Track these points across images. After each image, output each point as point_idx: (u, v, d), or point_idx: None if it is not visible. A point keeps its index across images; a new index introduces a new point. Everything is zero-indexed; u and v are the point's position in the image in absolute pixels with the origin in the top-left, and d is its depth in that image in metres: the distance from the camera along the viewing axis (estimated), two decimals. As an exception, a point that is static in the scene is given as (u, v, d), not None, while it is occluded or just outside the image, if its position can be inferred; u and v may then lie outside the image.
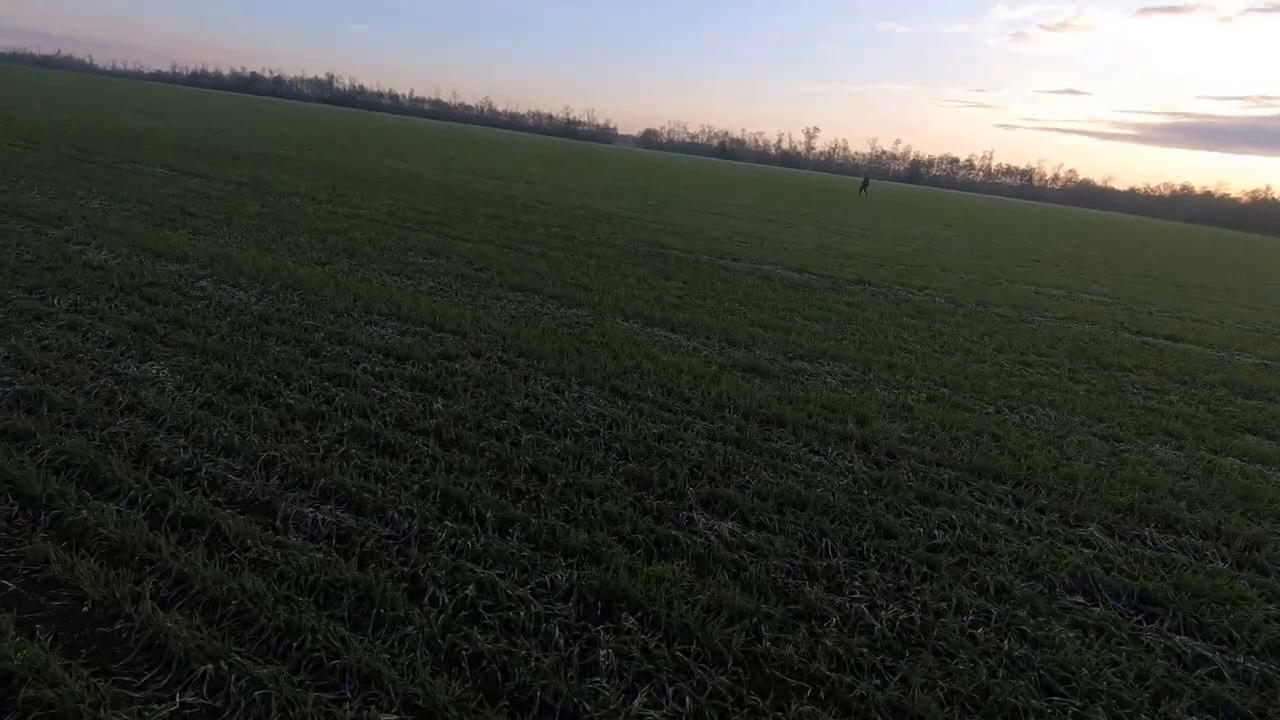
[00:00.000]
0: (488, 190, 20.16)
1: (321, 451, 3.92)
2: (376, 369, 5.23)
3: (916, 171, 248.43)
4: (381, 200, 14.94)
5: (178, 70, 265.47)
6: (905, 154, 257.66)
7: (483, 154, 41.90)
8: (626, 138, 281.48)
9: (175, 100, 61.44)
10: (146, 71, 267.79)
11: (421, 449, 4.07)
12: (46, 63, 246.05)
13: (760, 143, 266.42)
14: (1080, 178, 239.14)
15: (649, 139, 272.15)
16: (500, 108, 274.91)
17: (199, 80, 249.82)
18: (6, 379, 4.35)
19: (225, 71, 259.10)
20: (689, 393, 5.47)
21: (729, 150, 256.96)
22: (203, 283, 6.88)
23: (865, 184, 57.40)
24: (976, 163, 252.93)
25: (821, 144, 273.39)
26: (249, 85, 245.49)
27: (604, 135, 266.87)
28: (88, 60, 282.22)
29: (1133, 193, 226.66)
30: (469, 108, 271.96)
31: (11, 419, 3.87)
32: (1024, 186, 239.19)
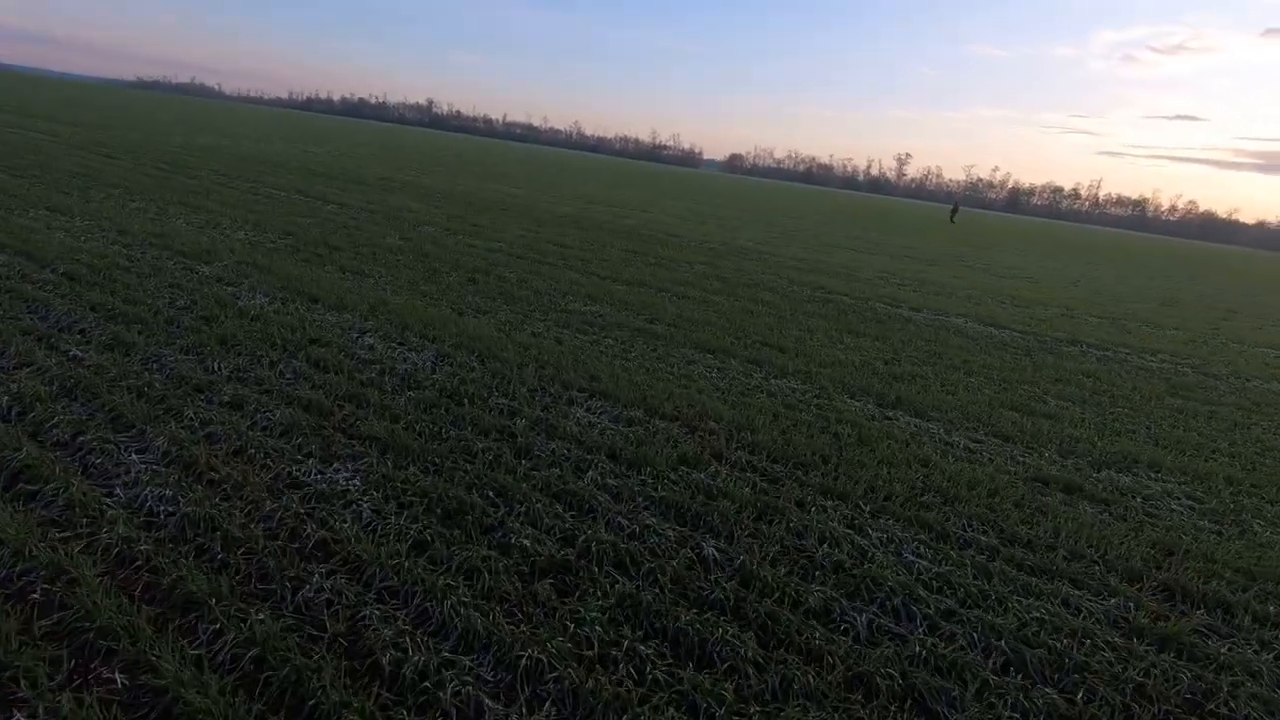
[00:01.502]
0: (606, 219, 19.24)
1: (596, 649, 2.66)
2: (609, 481, 3.98)
3: (1016, 200, 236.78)
4: (512, 230, 14.13)
5: (294, 96, 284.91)
6: (1004, 182, 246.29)
7: (583, 178, 41.61)
8: (711, 162, 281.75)
9: (298, 124, 64.78)
10: (267, 98, 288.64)
11: (729, 646, 2.75)
12: (184, 89, 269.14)
13: (848, 169, 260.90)
14: (1200, 209, 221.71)
15: (733, 164, 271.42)
16: (588, 131, 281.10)
17: (313, 105, 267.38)
18: (169, 493, 3.33)
19: (336, 98, 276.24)
20: (1024, 532, 3.96)
21: (815, 176, 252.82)
22: (369, 339, 5.91)
23: (955, 211, 54.44)
24: (1083, 191, 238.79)
25: (913, 170, 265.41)
26: (356, 110, 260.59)
27: (689, 160, 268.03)
28: (217, 88, 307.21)
29: (1262, 226, 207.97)
30: (558, 131, 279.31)
31: (178, 567, 2.80)
32: (1136, 217, 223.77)
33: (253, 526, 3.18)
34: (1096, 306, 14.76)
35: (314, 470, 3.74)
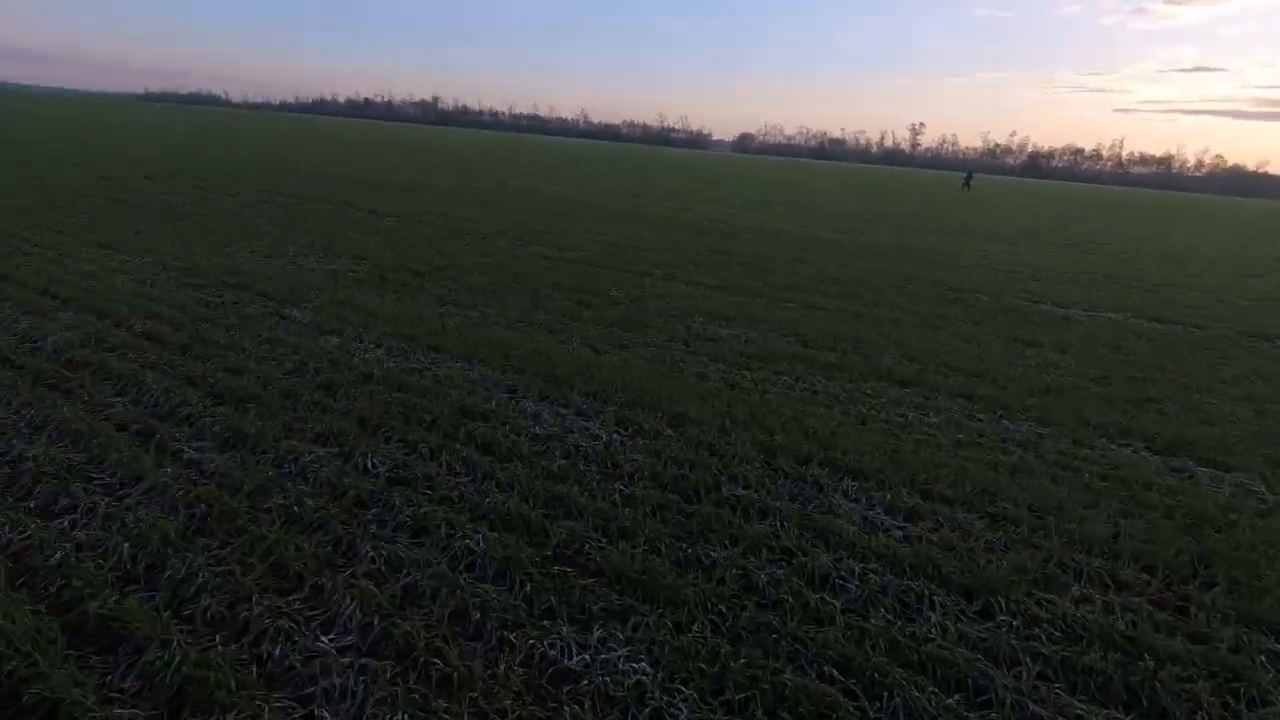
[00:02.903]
0: (664, 213, 18.02)
1: None
2: (968, 632, 2.84)
3: (1036, 164, 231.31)
4: (579, 234, 12.97)
5: (300, 99, 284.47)
6: (1022, 146, 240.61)
7: (608, 169, 40.28)
8: (721, 143, 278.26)
9: (310, 130, 63.89)
10: (274, 103, 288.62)
11: None
12: (192, 99, 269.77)
13: (862, 141, 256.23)
14: (1229, 162, 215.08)
15: (744, 143, 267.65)
16: (595, 119, 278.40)
17: (319, 108, 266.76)
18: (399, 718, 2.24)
19: (341, 99, 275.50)
20: None
21: (828, 151, 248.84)
22: (526, 403, 4.79)
23: (968, 179, 52.38)
24: (1105, 152, 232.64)
25: (928, 139, 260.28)
26: (362, 110, 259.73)
27: (698, 141, 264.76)
28: (223, 95, 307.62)
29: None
30: (565, 120, 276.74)
31: None
32: (1160, 175, 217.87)
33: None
34: (1239, 285, 13.34)
35: (571, 642, 2.64)
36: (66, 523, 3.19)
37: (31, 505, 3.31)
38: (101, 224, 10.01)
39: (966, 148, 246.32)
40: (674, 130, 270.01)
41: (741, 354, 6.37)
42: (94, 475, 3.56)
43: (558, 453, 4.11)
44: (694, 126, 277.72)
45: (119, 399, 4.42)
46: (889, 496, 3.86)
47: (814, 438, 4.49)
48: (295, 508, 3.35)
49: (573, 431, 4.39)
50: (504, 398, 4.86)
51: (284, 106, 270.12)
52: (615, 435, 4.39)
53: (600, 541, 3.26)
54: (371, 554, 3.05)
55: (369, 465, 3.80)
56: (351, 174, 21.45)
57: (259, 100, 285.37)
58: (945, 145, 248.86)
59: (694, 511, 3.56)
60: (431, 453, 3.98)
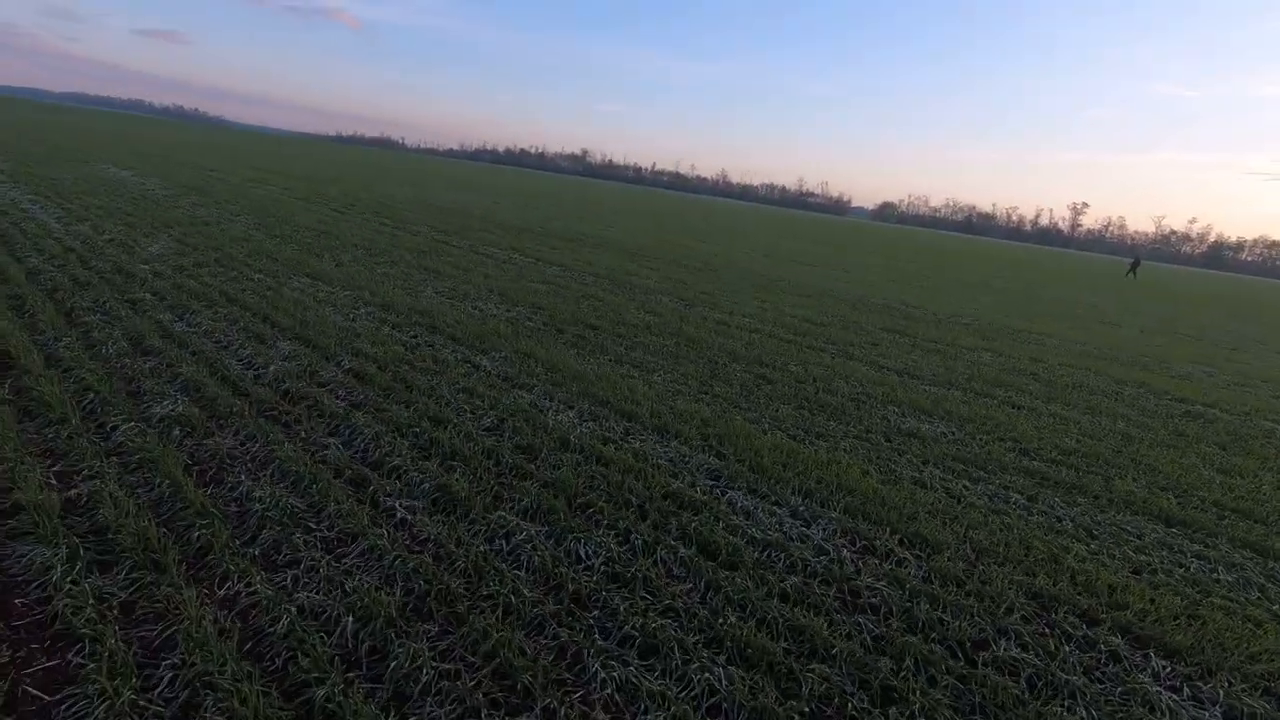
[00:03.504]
0: (820, 282, 17.33)
1: None
2: None
3: (1219, 255, 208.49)
4: (744, 298, 12.58)
5: (464, 147, 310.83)
6: (1204, 234, 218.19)
7: (751, 229, 40.10)
8: (859, 209, 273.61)
9: (473, 175, 69.03)
10: (441, 149, 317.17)
11: None
12: (376, 143, 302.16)
13: (1014, 218, 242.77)
14: None
15: (884, 211, 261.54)
16: (734, 179, 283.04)
17: (479, 156, 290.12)
18: None
19: (501, 149, 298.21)
20: None
21: (975, 225, 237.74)
22: (736, 495, 4.33)
23: (1135, 265, 46.92)
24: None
25: (1090, 220, 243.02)
26: (517, 160, 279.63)
27: (836, 207, 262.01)
28: (401, 141, 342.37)
29: None
30: (704, 179, 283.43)
31: None
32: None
33: None
34: None
35: None
36: (289, 579, 3.04)
37: (256, 553, 3.21)
38: (309, 255, 10.81)
39: (1135, 231, 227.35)
40: (812, 195, 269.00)
41: (955, 458, 5.61)
42: (313, 526, 3.45)
43: (781, 564, 3.60)
44: (834, 192, 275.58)
45: (332, 439, 4.40)
46: (1221, 692, 3.00)
47: (1091, 590, 3.69)
48: (512, 597, 3.03)
49: (794, 540, 3.86)
50: (708, 484, 4.43)
51: (449, 153, 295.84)
52: (844, 551, 3.81)
53: (862, 701, 2.68)
54: (602, 674, 2.65)
55: (582, 553, 3.46)
56: (508, 220, 22.52)
57: (431, 146, 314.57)
58: (1111, 228, 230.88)
59: (968, 675, 2.90)
60: (645, 547, 3.59)
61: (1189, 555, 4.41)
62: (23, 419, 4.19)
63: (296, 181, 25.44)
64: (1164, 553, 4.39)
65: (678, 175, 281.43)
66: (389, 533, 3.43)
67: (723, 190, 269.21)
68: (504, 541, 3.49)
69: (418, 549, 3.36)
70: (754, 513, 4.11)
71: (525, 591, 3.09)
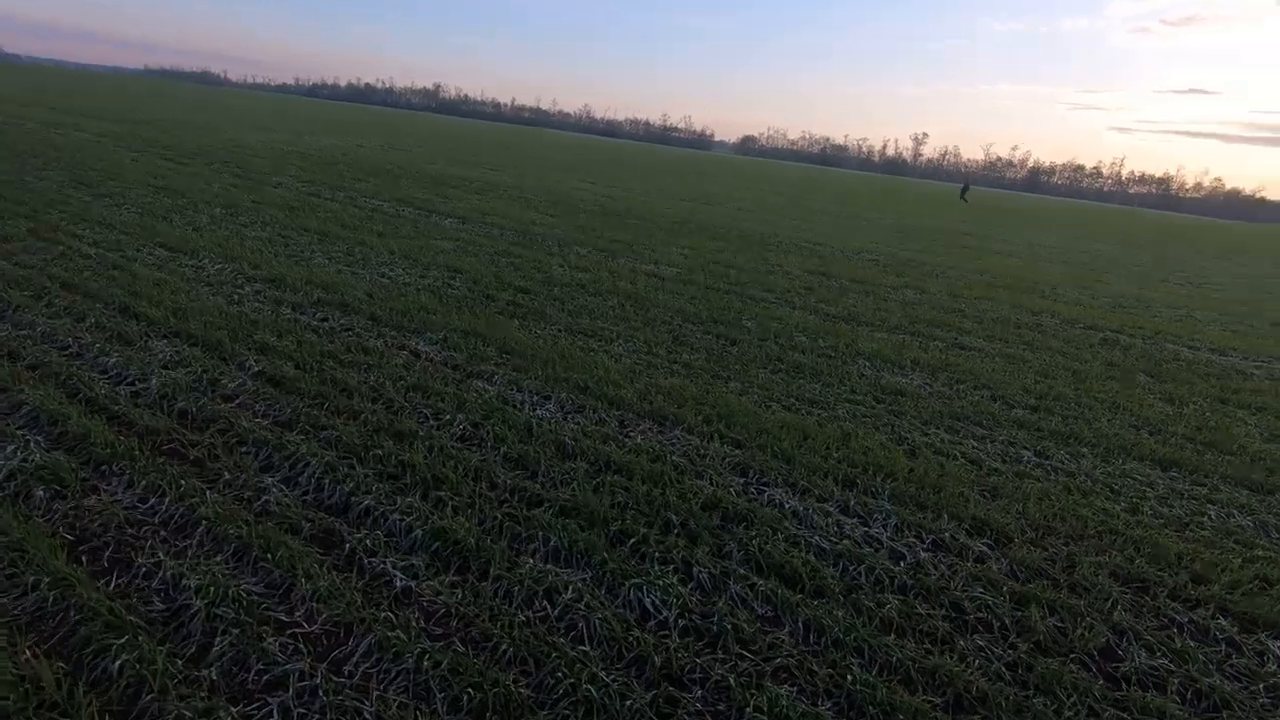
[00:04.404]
0: (729, 223, 16.98)
1: None
2: None
3: (1035, 179, 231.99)
4: (666, 247, 11.92)
5: (300, 82, 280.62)
6: (1024, 161, 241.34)
7: (631, 169, 39.18)
8: (722, 144, 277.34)
9: (319, 112, 62.21)
10: (274, 84, 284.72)
11: None
12: (193, 78, 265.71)
13: (864, 149, 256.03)
14: (1228, 186, 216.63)
15: (746, 145, 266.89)
16: (598, 115, 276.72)
17: (317, 92, 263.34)
18: None
19: (342, 83, 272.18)
20: None
21: (830, 158, 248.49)
22: (777, 494, 3.77)
23: (965, 190, 51.29)
24: (1105, 170, 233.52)
25: (930, 150, 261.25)
26: (362, 96, 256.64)
27: (700, 142, 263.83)
28: (223, 75, 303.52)
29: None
30: (567, 115, 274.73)
31: None
32: (1159, 195, 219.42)
33: None
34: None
35: None
36: (276, 714, 2.15)
37: (214, 677, 2.27)
38: (157, 220, 8.87)
39: (969, 159, 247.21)
40: (677, 130, 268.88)
41: (949, 415, 5.39)
42: (285, 619, 2.53)
43: (867, 581, 3.11)
44: (697, 127, 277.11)
45: (269, 478, 3.37)
46: (1340, 669, 2.88)
47: (1163, 561, 3.51)
48: (589, 688, 2.33)
49: (862, 545, 3.38)
50: (740, 483, 3.85)
51: (283, 88, 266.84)
52: (920, 552, 3.38)
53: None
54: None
55: (648, 605, 2.78)
56: (379, 165, 20.26)
57: (260, 81, 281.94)
58: (947, 156, 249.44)
59: (1121, 699, 2.56)
60: (714, 582, 2.97)
61: (1202, 501, 4.41)
62: None
63: (114, 124, 21.41)
64: (1182, 502, 4.36)
65: (539, 110, 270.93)
66: (394, 614, 2.58)
67: (586, 126, 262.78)
68: (547, 603, 2.73)
69: (440, 634, 2.54)
70: (805, 515, 3.59)
71: (603, 676, 2.39)
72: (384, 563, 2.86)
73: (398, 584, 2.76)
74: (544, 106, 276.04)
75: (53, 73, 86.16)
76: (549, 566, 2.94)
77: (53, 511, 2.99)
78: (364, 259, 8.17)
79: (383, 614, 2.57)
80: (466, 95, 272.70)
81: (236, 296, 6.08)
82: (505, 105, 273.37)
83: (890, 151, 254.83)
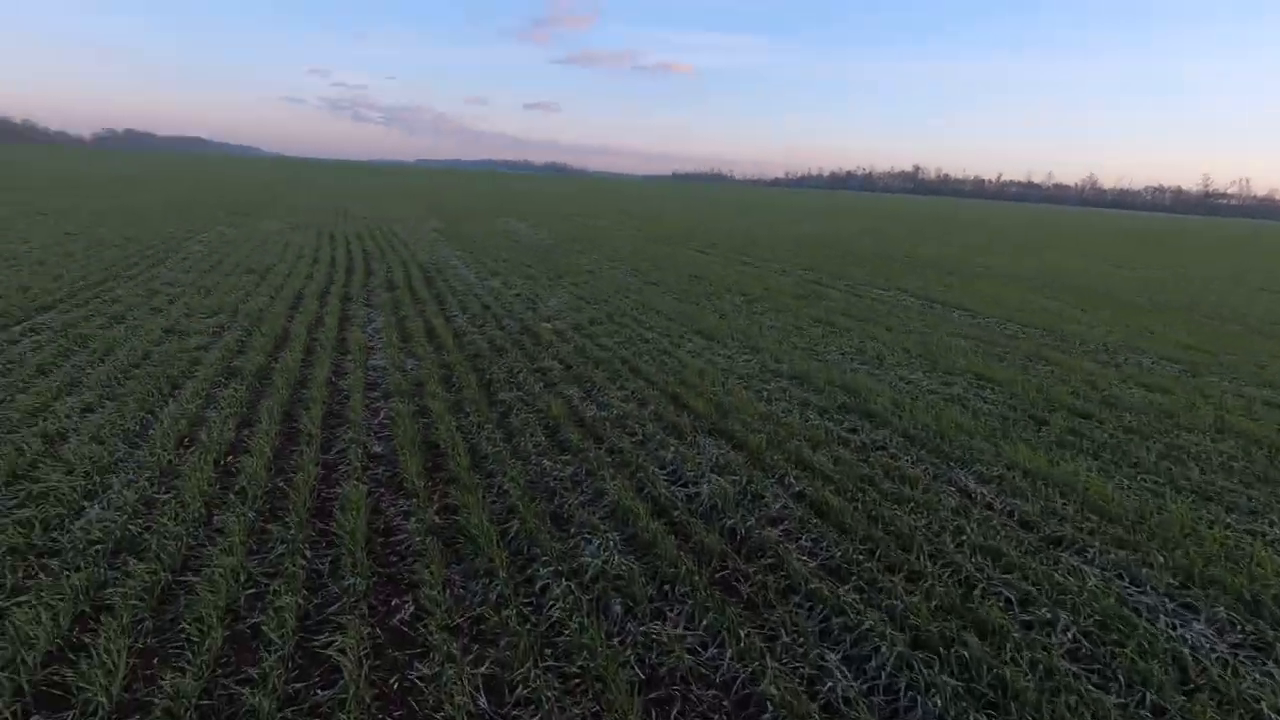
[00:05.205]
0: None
1: None
2: None
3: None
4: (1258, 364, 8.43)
5: (788, 176, 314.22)
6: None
7: (1189, 251, 31.17)
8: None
9: (809, 203, 67.63)
10: (767, 179, 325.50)
11: None
12: (711, 178, 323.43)
13: None
14: None
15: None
16: (1106, 185, 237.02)
17: (804, 182, 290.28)
18: None
19: (825, 173, 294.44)
20: None
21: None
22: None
23: None
24: None
25: None
26: (842, 183, 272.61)
27: (1268, 210, 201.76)
28: (729, 174, 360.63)
29: None
30: (1065, 187, 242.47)
31: None
32: None
33: None
34: None
35: None
36: None
37: None
38: (688, 304, 9.99)
39: None
40: (1223, 196, 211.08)
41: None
42: None
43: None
44: (1259, 191, 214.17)
45: (830, 653, 2.76)
46: None
47: None
48: None
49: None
50: None
51: (776, 183, 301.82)
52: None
53: None
54: None
55: None
56: (874, 250, 20.09)
57: (756, 177, 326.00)
58: None
59: None
60: None
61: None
62: (450, 563, 3.35)
63: (654, 225, 26.52)
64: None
65: (1030, 185, 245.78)
66: None
67: (1090, 199, 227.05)
68: None
69: None
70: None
71: None
72: None
73: None
74: (1036, 180, 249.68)
75: (613, 185, 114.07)
76: None
77: (625, 633, 2.89)
78: (878, 356, 7.59)
79: None
80: (947, 175, 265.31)
81: (765, 392, 6.05)
82: (989, 181, 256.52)
83: None
